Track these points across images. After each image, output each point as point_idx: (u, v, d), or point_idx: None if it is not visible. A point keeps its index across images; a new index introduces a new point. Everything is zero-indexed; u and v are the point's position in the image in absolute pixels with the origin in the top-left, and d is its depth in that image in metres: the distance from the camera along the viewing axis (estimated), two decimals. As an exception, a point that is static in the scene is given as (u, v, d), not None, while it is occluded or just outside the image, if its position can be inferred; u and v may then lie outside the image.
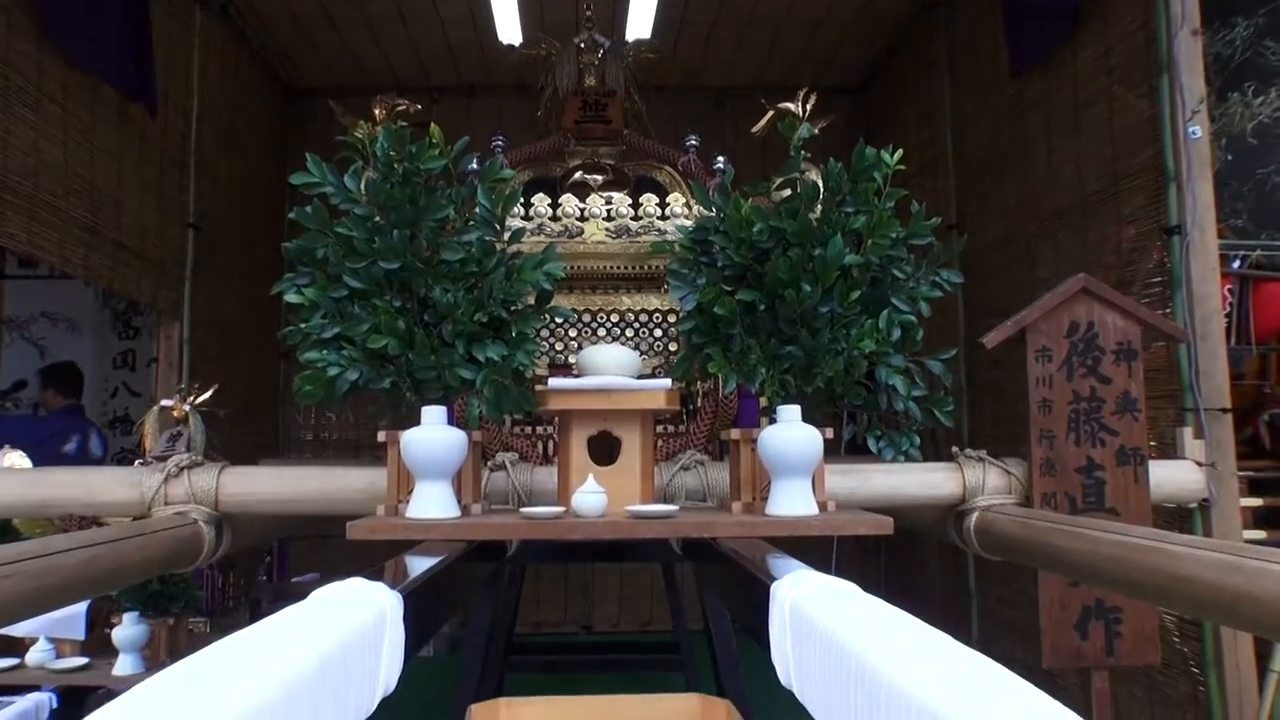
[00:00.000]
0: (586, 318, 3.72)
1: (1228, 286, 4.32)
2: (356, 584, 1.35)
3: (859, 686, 0.98)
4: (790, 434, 2.22)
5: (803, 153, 2.46)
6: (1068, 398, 2.96)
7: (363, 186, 2.31)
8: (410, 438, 2.22)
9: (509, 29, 5.85)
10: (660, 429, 3.58)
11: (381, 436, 2.39)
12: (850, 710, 1.00)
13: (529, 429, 3.66)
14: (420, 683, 5.89)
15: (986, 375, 5.24)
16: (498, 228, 2.37)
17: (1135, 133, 3.90)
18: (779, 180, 2.44)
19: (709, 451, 3.33)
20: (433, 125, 2.37)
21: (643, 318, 3.76)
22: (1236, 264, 4.52)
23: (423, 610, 1.37)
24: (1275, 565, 1.74)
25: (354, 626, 1.17)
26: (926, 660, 0.89)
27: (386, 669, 1.28)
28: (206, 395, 3.44)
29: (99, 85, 4.56)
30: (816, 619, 1.20)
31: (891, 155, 2.37)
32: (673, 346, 3.69)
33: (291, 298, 2.33)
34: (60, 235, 4.29)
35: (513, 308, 2.33)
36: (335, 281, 2.30)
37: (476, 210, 2.34)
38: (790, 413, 2.26)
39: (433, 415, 2.25)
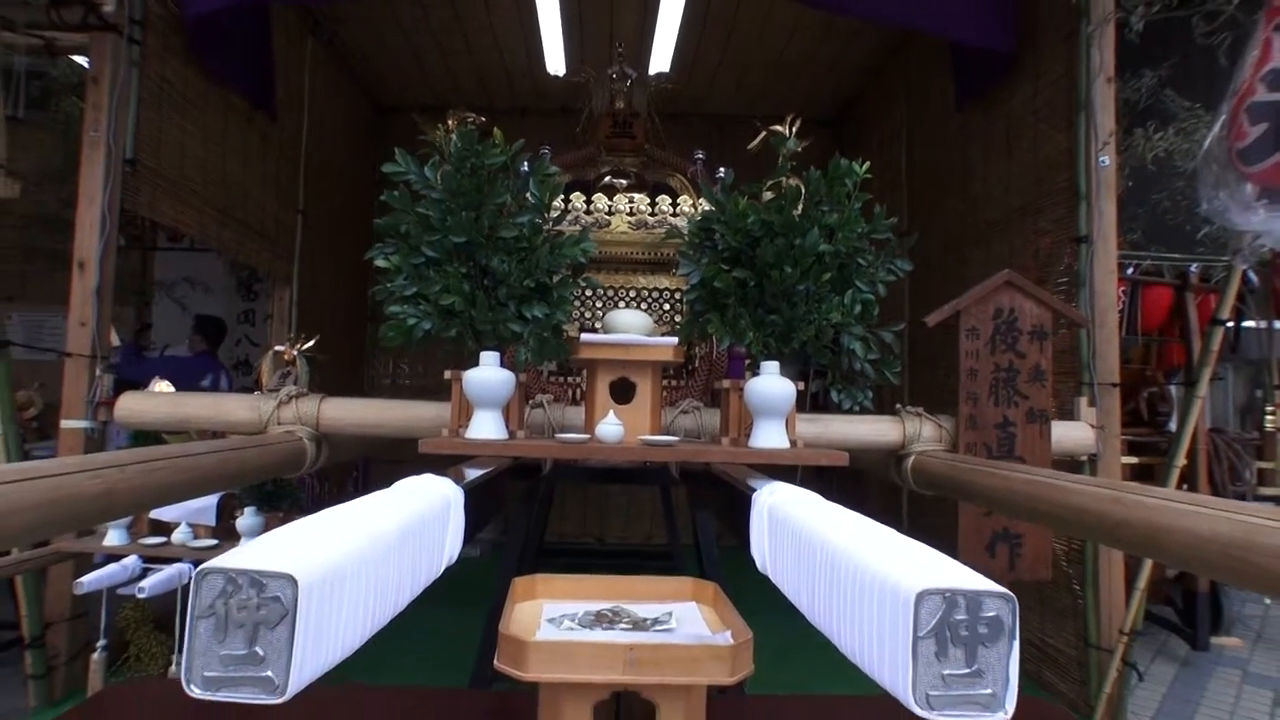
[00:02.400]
0: (610, 292, 3.73)
1: (1122, 289, 4.30)
2: (429, 477, 1.37)
3: (822, 561, 0.99)
4: (771, 384, 2.23)
5: (789, 163, 2.45)
6: (990, 368, 2.96)
7: (438, 177, 2.31)
8: (471, 375, 2.24)
9: (555, 62, 5.83)
10: (666, 382, 3.59)
11: (447, 375, 2.40)
12: (815, 582, 1.02)
13: (562, 379, 3.69)
14: (469, 577, 5.95)
15: (924, 351, 5.24)
16: (544, 213, 2.37)
17: (1055, 160, 3.88)
18: (769, 183, 2.43)
19: (703, 401, 3.34)
20: (495, 129, 2.37)
21: (655, 294, 3.78)
22: (1130, 270, 4.50)
23: (477, 504, 1.39)
24: (1147, 499, 1.75)
25: (426, 505, 1.19)
26: (877, 539, 0.90)
27: (450, 543, 1.30)
28: (310, 343, 3.45)
29: (231, 96, 4.56)
30: (789, 516, 1.21)
31: (860, 166, 2.37)
32: (678, 317, 3.70)
33: (380, 263, 2.34)
34: (199, 215, 4.30)
35: (554, 276, 2.34)
36: (414, 251, 2.31)
37: (528, 198, 2.34)
38: (771, 367, 2.26)
39: (489, 359, 2.26)
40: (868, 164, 2.38)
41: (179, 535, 3.11)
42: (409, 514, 1.09)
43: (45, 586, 3.46)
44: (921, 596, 0.75)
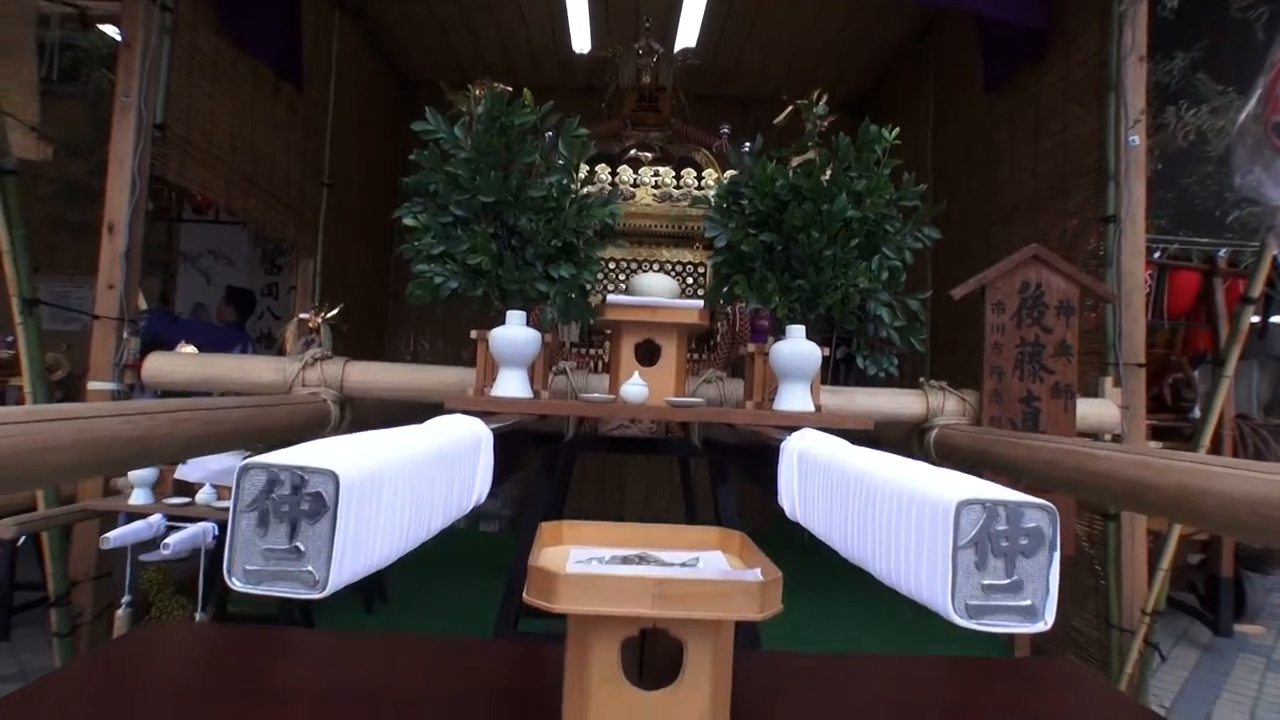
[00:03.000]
0: (634, 264, 3.72)
1: (1148, 273, 4.27)
2: (461, 416, 1.37)
3: (857, 492, 0.99)
4: (797, 347, 2.22)
5: (817, 129, 2.43)
6: (1016, 342, 2.93)
7: (467, 137, 2.31)
8: (497, 333, 2.24)
9: (581, 39, 5.81)
10: (689, 356, 3.59)
11: (474, 335, 2.41)
12: (848, 510, 1.01)
13: (584, 350, 3.69)
14: (489, 551, 5.99)
15: (946, 336, 5.20)
16: (573, 173, 2.37)
17: (1084, 140, 3.83)
18: (796, 146, 2.42)
19: (726, 373, 3.33)
20: (525, 90, 2.37)
21: (679, 267, 3.77)
22: (1156, 255, 4.46)
23: (503, 449, 1.39)
24: (1176, 462, 1.73)
25: (459, 438, 1.19)
26: (912, 467, 0.89)
27: (481, 479, 1.30)
28: (335, 311, 3.47)
29: (259, 66, 4.57)
30: (821, 454, 1.21)
31: (890, 133, 2.35)
32: (701, 291, 3.69)
33: (409, 221, 2.34)
34: (226, 182, 4.33)
35: (581, 237, 2.33)
36: (443, 210, 2.31)
37: (556, 159, 2.34)
38: (797, 331, 2.26)
39: (515, 317, 2.27)
40: (896, 130, 2.36)
41: (203, 495, 3.14)
42: (443, 441, 1.09)
43: (71, 545, 3.50)
44: (962, 506, 0.74)
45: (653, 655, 1.30)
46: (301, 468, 0.74)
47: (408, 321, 7.11)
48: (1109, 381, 3.43)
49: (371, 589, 4.32)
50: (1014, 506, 0.75)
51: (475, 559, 5.82)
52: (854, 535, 0.98)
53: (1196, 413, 4.48)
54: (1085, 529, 3.66)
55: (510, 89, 3.04)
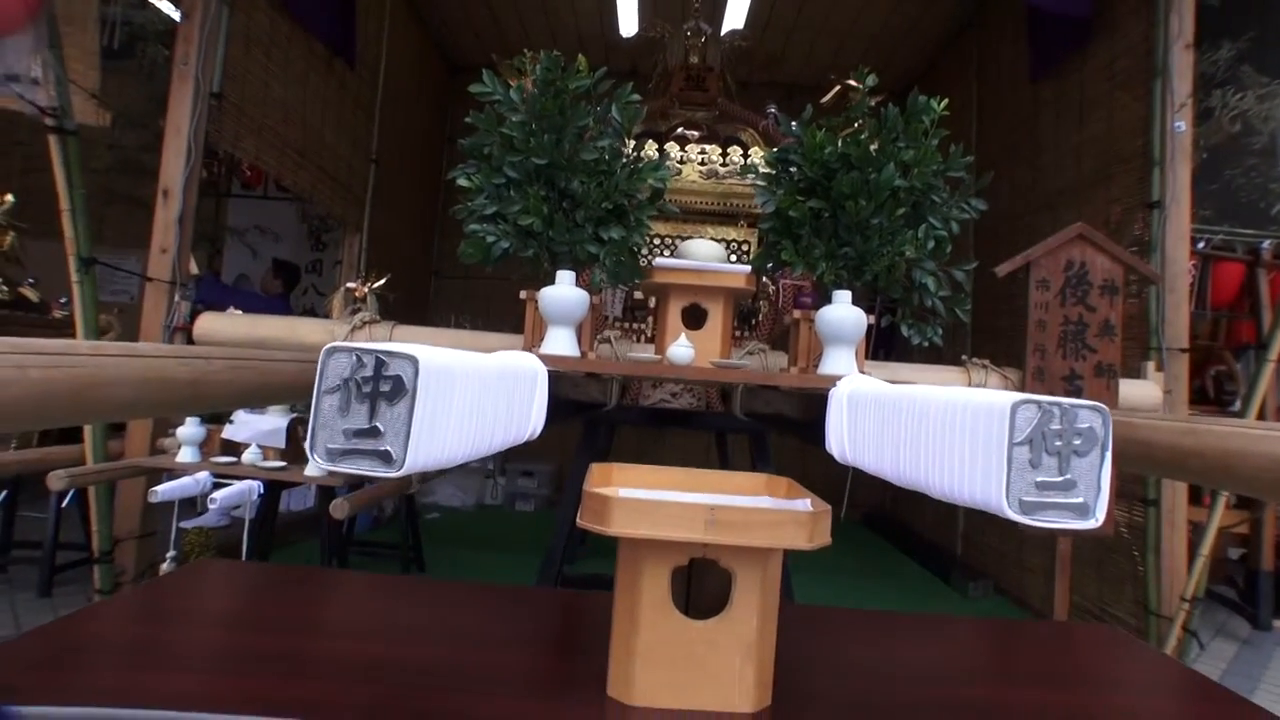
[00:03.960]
0: (680, 240, 3.74)
1: (1192, 263, 4.20)
2: (519, 351, 1.40)
3: (909, 414, 1.00)
4: (843, 311, 2.22)
5: (866, 100, 2.43)
6: (1059, 320, 2.92)
7: (523, 99, 2.34)
8: (547, 292, 2.27)
9: (628, 24, 5.83)
10: (732, 331, 3.60)
11: (523, 295, 2.44)
12: (900, 435, 1.03)
13: (628, 324, 3.71)
14: (527, 528, 6.04)
15: (986, 323, 5.16)
16: (625, 137, 2.39)
17: (1129, 127, 3.79)
18: (845, 116, 2.42)
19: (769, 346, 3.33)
20: (580, 56, 2.39)
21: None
22: (1201, 245, 4.38)
23: (552, 393, 1.41)
24: (1219, 427, 1.72)
25: (519, 365, 1.22)
26: (962, 389, 0.91)
27: (536, 413, 1.33)
28: (382, 281, 3.52)
29: (313, 41, 4.65)
30: (870, 390, 1.22)
31: (939, 103, 2.35)
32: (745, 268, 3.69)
33: (462, 182, 2.37)
34: (279, 154, 4.41)
35: (632, 200, 2.35)
36: (496, 172, 2.34)
37: (610, 122, 2.36)
38: (843, 296, 2.26)
39: (565, 278, 2.29)
40: (945, 100, 2.35)
41: (249, 456, 3.21)
42: (505, 363, 1.12)
43: (116, 503, 3.59)
44: (1018, 406, 0.76)
45: (699, 590, 1.32)
46: (384, 351, 0.77)
47: (451, 299, 7.18)
48: (1151, 365, 3.39)
49: (408, 559, 4.38)
50: (1068, 407, 0.76)
51: (512, 536, 5.88)
52: (907, 456, 0.99)
53: (1238, 405, 4.41)
54: (1125, 515, 3.63)
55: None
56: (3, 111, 3.58)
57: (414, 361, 0.76)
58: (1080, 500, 0.76)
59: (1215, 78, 4.30)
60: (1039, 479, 0.75)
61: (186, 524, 3.58)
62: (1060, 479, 0.75)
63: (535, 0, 6.02)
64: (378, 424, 0.77)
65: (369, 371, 0.77)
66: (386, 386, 0.77)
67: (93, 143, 5.91)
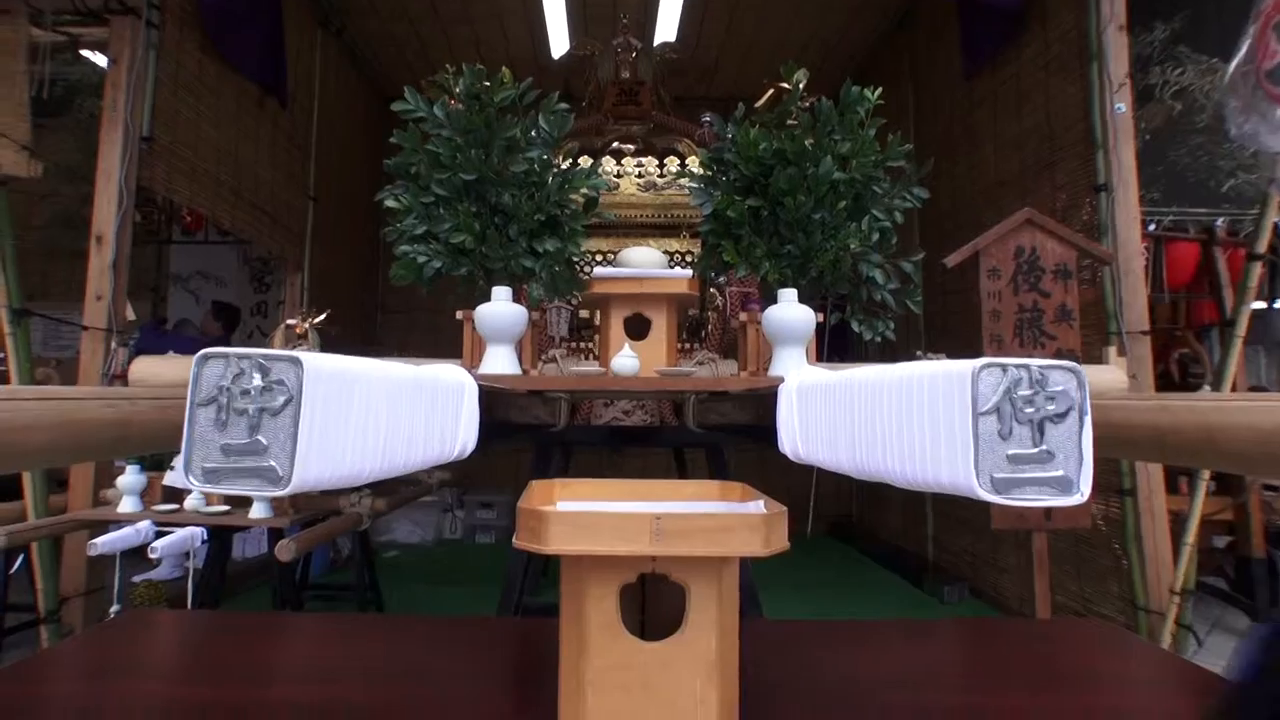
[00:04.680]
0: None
1: (1144, 245, 4.21)
2: (444, 363, 1.30)
3: (862, 397, 0.92)
4: (789, 310, 2.15)
5: (799, 93, 2.38)
6: (1014, 308, 2.88)
7: (447, 115, 2.25)
8: (483, 311, 2.17)
9: (559, 45, 5.80)
10: (680, 345, 3.52)
11: (459, 315, 2.34)
12: (855, 419, 0.94)
13: (575, 344, 3.62)
14: (486, 561, 5.88)
15: (940, 322, 5.15)
16: (554, 147, 2.31)
17: (1068, 112, 3.80)
18: (778, 111, 2.36)
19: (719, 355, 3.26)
20: (504, 68, 2.31)
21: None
22: (1151, 228, 4.40)
23: (488, 407, 1.32)
24: (1196, 403, 1.66)
25: (441, 376, 1.13)
26: (918, 364, 0.83)
27: (465, 428, 1.23)
28: (322, 317, 3.40)
29: (244, 81, 4.55)
30: (819, 379, 1.14)
31: (872, 93, 2.30)
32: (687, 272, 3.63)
33: (390, 204, 2.28)
34: (213, 195, 4.29)
35: (566, 210, 2.27)
36: (424, 190, 2.25)
37: (537, 132, 2.28)
38: (789, 295, 2.19)
39: (500, 293, 2.20)
40: (879, 90, 2.31)
41: (191, 501, 3.07)
42: (423, 374, 1.02)
43: (61, 560, 3.42)
44: (979, 371, 0.68)
45: (655, 610, 1.23)
46: (264, 354, 0.67)
47: (397, 332, 7.05)
48: (1113, 350, 3.35)
49: (366, 598, 4.22)
50: (1037, 369, 0.68)
51: (473, 569, 5.73)
52: (863, 443, 0.91)
53: (1207, 388, 4.39)
54: (1102, 507, 3.58)
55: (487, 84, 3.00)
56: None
57: (297, 364, 0.66)
58: (1060, 473, 0.68)
59: (1151, 59, 4.33)
60: (1011, 452, 0.67)
61: (137, 577, 3.40)
62: (1035, 450, 0.67)
63: (465, 31, 5.97)
64: (260, 437, 0.67)
65: (248, 380, 0.67)
66: (268, 395, 0.67)
67: (31, 198, 5.73)
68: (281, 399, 0.66)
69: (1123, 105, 3.46)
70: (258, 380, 0.67)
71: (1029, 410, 0.68)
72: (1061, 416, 0.68)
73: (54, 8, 3.54)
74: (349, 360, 0.77)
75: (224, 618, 1.80)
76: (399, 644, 1.46)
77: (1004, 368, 0.68)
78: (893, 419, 0.81)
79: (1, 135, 3.38)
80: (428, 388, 1.02)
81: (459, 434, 1.22)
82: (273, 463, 0.66)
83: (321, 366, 0.68)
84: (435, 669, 1.30)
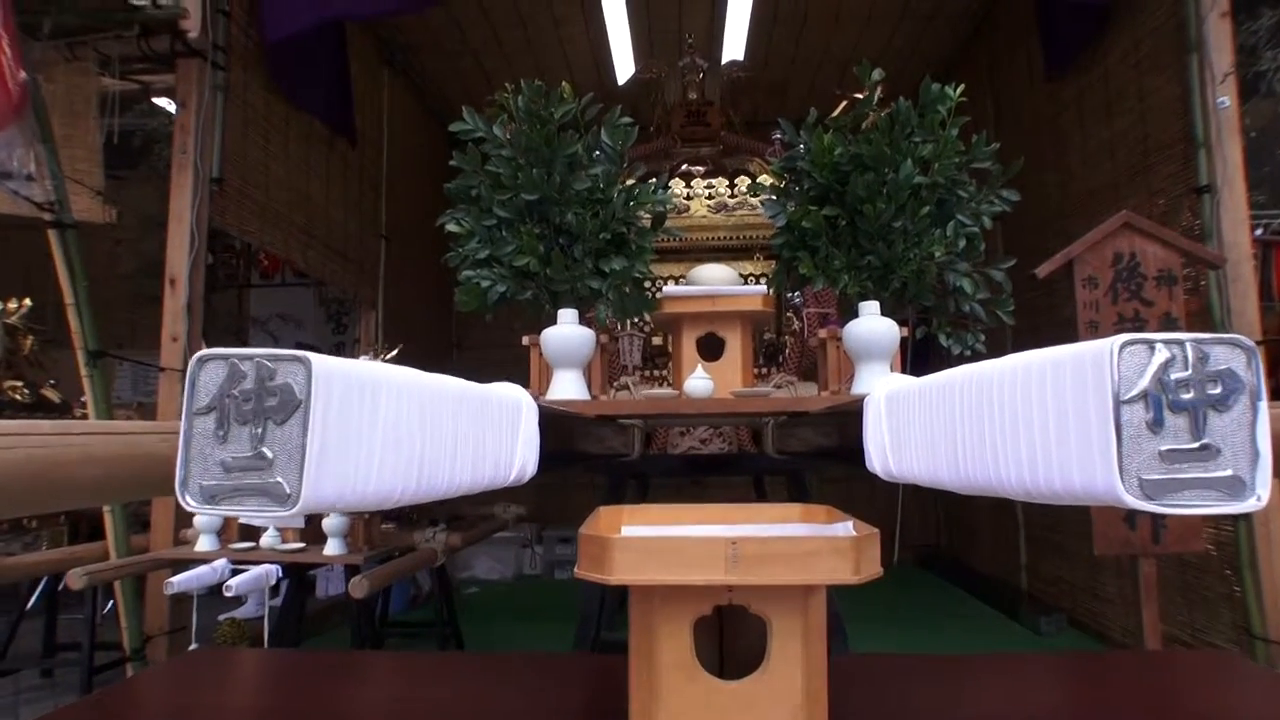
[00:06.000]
0: (694, 278, 3.57)
1: (1253, 251, 3.93)
2: (502, 382, 1.22)
3: (966, 394, 0.80)
4: (872, 324, 2.02)
5: (876, 95, 2.26)
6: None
7: (507, 134, 2.20)
8: (549, 334, 2.10)
9: (624, 69, 5.78)
10: (757, 371, 3.40)
11: (525, 341, 2.27)
12: (957, 425, 0.82)
13: (648, 372, 3.53)
14: (565, 595, 5.80)
15: (1031, 331, 4.89)
16: (618, 162, 2.23)
17: (1164, 111, 3.58)
18: (854, 114, 2.25)
19: (798, 378, 3.13)
20: (564, 83, 2.26)
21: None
22: (1259, 231, 4.11)
23: (545, 433, 1.23)
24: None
25: (495, 392, 1.04)
26: (1033, 352, 0.70)
27: (524, 450, 1.14)
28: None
29: (312, 121, 4.62)
30: (912, 385, 1.02)
31: (954, 90, 2.17)
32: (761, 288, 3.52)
33: (452, 228, 2.24)
34: (285, 235, 4.34)
35: (632, 227, 2.19)
36: (486, 213, 2.20)
37: (601, 148, 2.21)
38: (870, 307, 2.06)
39: (566, 316, 2.13)
40: (961, 86, 2.18)
41: (267, 539, 3.06)
42: (470, 387, 0.94)
43: (145, 600, 3.45)
44: (1123, 348, 0.55)
45: (733, 644, 1.11)
46: (269, 355, 0.59)
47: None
48: (1220, 363, 3.11)
49: (445, 635, 4.16)
50: (1195, 344, 0.55)
51: (553, 605, 5.64)
52: (968, 448, 0.78)
53: (1317, 401, 4.06)
54: (1212, 531, 3.31)
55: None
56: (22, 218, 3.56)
57: (305, 364, 0.58)
58: (1228, 473, 0.54)
59: (1257, 50, 4.08)
60: (1165, 448, 0.54)
61: (222, 616, 3.40)
62: (1195, 445, 0.54)
63: (529, 61, 6.00)
64: (264, 449, 0.58)
65: (251, 382, 0.59)
66: (273, 400, 0.58)
67: (117, 247, 5.95)
68: (288, 404, 0.58)
69: (1226, 100, 3.23)
70: (261, 384, 0.58)
71: (1186, 395, 0.55)
72: (1227, 402, 0.55)
73: (122, 55, 3.62)
74: (373, 364, 0.68)
75: (290, 656, 1.74)
76: (468, 682, 1.38)
77: (1151, 344, 0.55)
78: (1006, 417, 0.69)
79: (76, 181, 3.47)
80: (476, 402, 0.93)
81: (516, 456, 1.13)
82: (279, 479, 0.57)
83: (333, 367, 0.60)
84: (504, 709, 1.21)
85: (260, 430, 0.58)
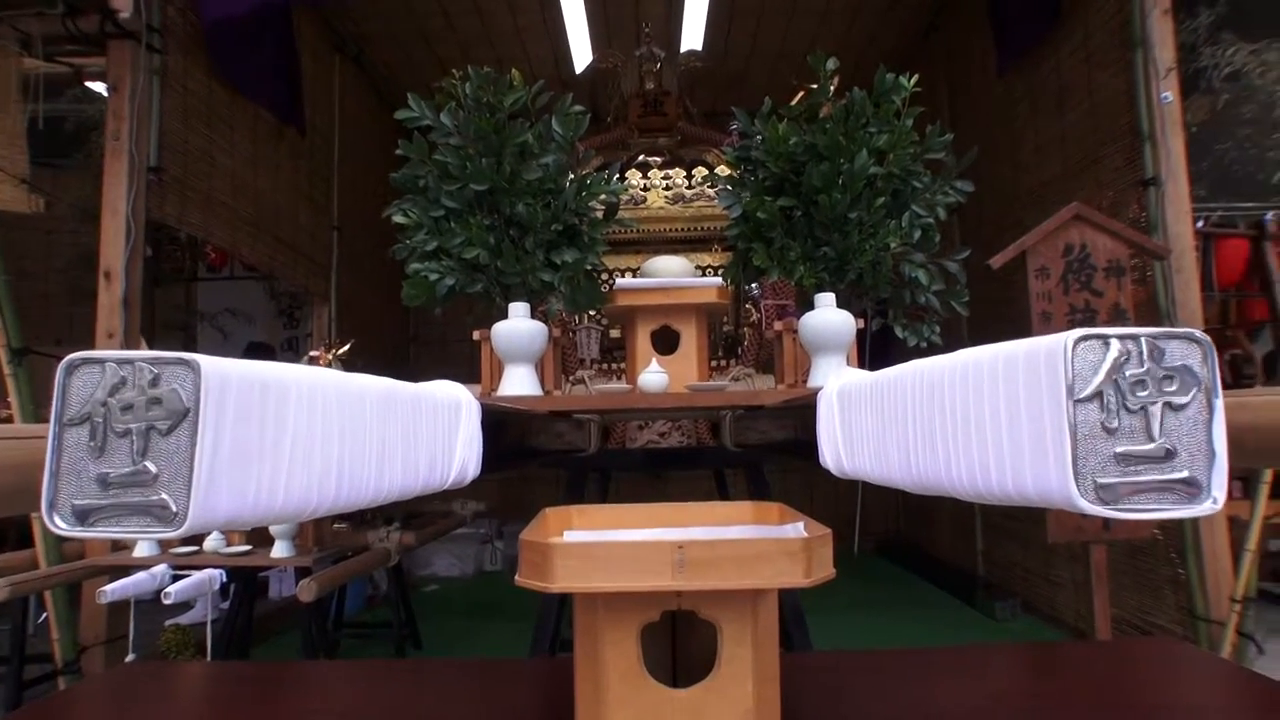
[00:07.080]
0: (650, 270, 3.52)
1: (1194, 243, 3.98)
2: (439, 381, 1.16)
3: (916, 391, 0.76)
4: (827, 316, 1.99)
5: (830, 83, 2.22)
6: (1065, 310, 2.68)
7: (454, 122, 2.13)
8: (499, 328, 2.04)
9: (581, 59, 5.71)
10: (714, 364, 3.36)
11: (476, 336, 2.21)
12: (908, 421, 0.78)
13: (605, 365, 3.48)
14: (524, 594, 5.75)
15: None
16: (569, 151, 2.17)
17: (1111, 105, 3.61)
18: (809, 104, 2.21)
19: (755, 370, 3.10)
20: (513, 70, 2.19)
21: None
22: (1200, 224, 4.17)
23: (495, 430, 1.18)
24: (1274, 397, 1.47)
25: (434, 396, 0.99)
26: (986, 347, 0.66)
27: (463, 451, 1.09)
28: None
29: (259, 110, 4.48)
30: (864, 379, 0.98)
31: (908, 80, 2.14)
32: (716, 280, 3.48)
33: (399, 219, 2.17)
34: (230, 227, 4.21)
35: (584, 218, 2.13)
36: (434, 204, 2.13)
37: (552, 137, 2.15)
38: (826, 299, 2.03)
39: (517, 310, 2.07)
40: (915, 78, 2.15)
41: (211, 542, 2.95)
42: (399, 387, 0.88)
43: (80, 609, 3.31)
44: (1077, 344, 0.51)
45: (685, 651, 1.07)
46: (151, 358, 0.53)
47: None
48: (1168, 353, 3.14)
49: (403, 636, 4.09)
50: (1150, 339, 0.52)
51: (514, 602, 5.58)
52: (919, 449, 0.75)
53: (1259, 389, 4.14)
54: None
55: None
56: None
57: (194, 368, 0.52)
58: (1184, 474, 0.51)
59: (1195, 47, 4.13)
60: (1120, 449, 0.51)
61: (169, 622, 3.30)
62: (1151, 446, 0.51)
63: (486, 52, 5.90)
64: (147, 463, 0.52)
65: (133, 390, 0.53)
66: (157, 408, 0.52)
67: (52, 240, 5.74)
68: (174, 412, 0.52)
69: (1169, 95, 3.26)
70: (144, 391, 0.52)
71: (1142, 394, 0.51)
72: (1184, 400, 0.52)
73: (47, 34, 3.46)
74: (281, 367, 0.63)
75: (230, 667, 1.67)
76: (418, 691, 1.32)
77: (1105, 340, 0.51)
78: (957, 416, 0.65)
79: (-2, 169, 3.32)
80: (406, 404, 0.87)
81: (455, 457, 1.07)
82: (164, 495, 0.51)
83: (229, 370, 0.54)
84: (453, 717, 1.16)
85: (143, 442, 0.52)
